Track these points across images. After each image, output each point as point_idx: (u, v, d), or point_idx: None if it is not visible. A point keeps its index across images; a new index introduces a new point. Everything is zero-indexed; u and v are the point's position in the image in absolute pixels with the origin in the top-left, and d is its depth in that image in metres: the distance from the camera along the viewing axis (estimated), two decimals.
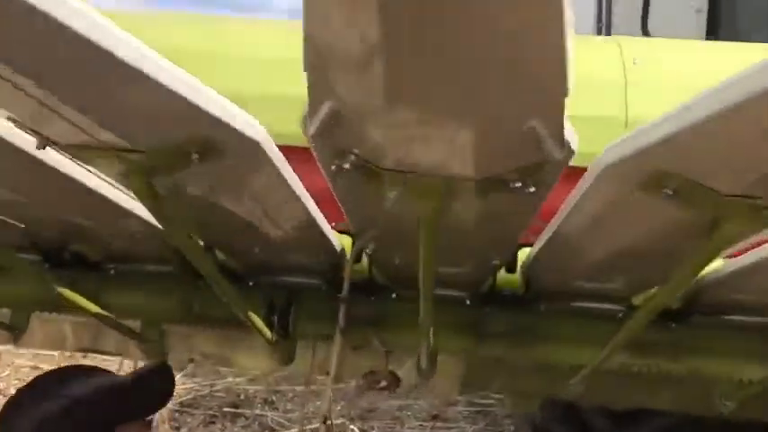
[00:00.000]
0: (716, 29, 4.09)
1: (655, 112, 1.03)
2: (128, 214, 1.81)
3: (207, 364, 6.63)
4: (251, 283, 2.36)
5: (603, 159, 1.09)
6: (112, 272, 2.43)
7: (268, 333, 2.18)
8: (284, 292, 2.36)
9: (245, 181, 1.36)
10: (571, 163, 1.22)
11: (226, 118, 1.05)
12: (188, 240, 1.52)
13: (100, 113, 0.95)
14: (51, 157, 1.47)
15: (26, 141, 1.37)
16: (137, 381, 1.83)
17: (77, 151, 1.09)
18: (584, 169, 1.36)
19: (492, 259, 1.84)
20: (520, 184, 1.04)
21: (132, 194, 1.60)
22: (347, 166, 1.06)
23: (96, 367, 1.86)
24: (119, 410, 1.75)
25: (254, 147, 1.17)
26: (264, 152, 1.20)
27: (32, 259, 2.35)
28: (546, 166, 1.02)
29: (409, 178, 1.01)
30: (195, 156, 1.09)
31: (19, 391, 1.80)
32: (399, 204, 1.26)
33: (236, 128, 1.09)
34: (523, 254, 2.19)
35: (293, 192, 1.47)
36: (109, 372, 1.83)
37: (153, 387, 1.87)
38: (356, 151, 1.00)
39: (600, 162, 1.10)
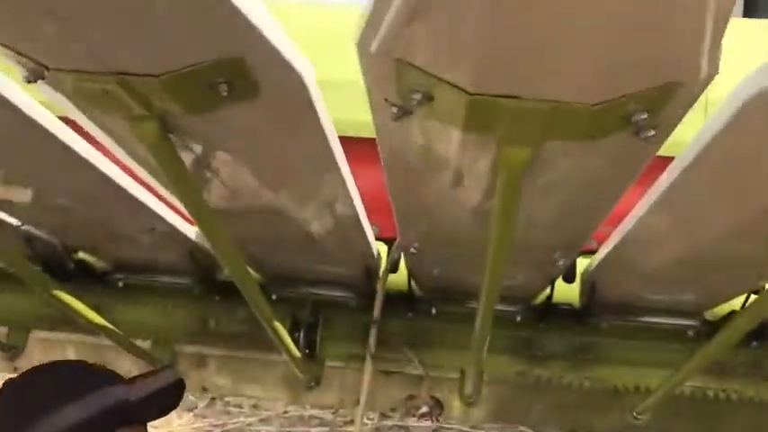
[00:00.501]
0: None
1: None
2: (141, 207, 1.58)
3: (218, 402, 6.35)
4: (274, 297, 2.12)
5: (740, 94, 0.86)
6: (121, 284, 2.19)
7: (295, 350, 1.92)
8: (310, 306, 2.11)
9: (279, 139, 1.13)
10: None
11: (272, 38, 0.83)
12: (214, 224, 1.28)
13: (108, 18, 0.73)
14: (65, 133, 1.26)
15: (40, 113, 1.17)
16: (151, 397, 1.57)
17: (76, 81, 0.87)
18: (663, 160, 1.15)
19: (556, 259, 1.59)
20: (644, 117, 0.80)
21: (146, 171, 1.37)
22: (417, 98, 0.82)
23: (97, 366, 1.62)
24: (127, 418, 1.51)
25: (298, 85, 0.94)
26: (309, 96, 0.97)
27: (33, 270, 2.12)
28: (679, 92, 0.79)
29: (509, 107, 0.77)
30: (224, 87, 0.86)
31: (23, 383, 1.55)
32: (475, 160, 1.03)
33: (283, 54, 0.86)
34: (581, 264, 1.95)
35: (335, 163, 1.24)
36: (115, 375, 1.58)
37: (164, 402, 1.61)
38: (436, 71, 0.77)
39: (737, 97, 0.87)
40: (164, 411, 1.69)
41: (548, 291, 1.98)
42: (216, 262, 2.08)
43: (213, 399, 6.49)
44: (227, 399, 6.53)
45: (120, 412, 1.55)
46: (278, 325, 1.79)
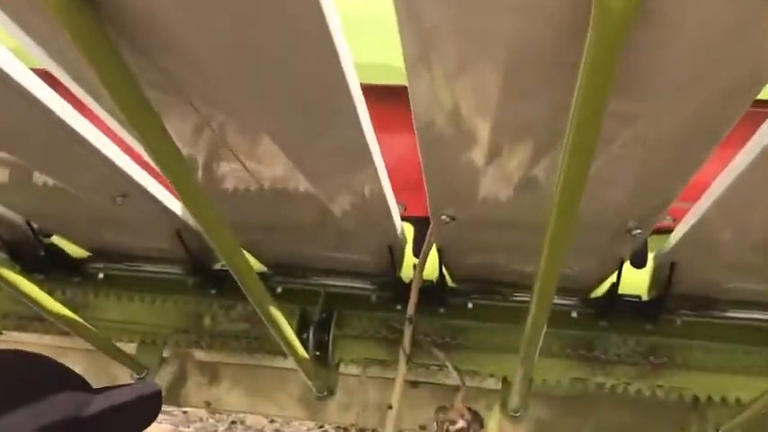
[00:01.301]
0: None
1: None
2: (106, 163, 1.27)
3: (239, 425, 6.04)
4: (278, 290, 1.78)
5: None
6: (101, 275, 1.88)
7: (303, 352, 1.58)
8: (322, 300, 1.76)
9: (265, 50, 0.81)
10: None
11: None
12: (195, 188, 0.98)
13: None
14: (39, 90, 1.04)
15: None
16: (113, 412, 1.27)
17: None
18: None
19: (630, 229, 1.24)
20: None
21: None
22: None
23: (57, 366, 1.32)
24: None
25: None
26: None
27: None
28: None
29: None
30: None
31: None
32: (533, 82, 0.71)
33: None
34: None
35: (354, 109, 0.97)
36: (76, 379, 1.29)
37: (134, 417, 1.31)
38: None
39: None
40: (136, 427, 1.38)
41: (608, 281, 1.63)
42: (210, 248, 1.76)
43: (234, 422, 6.18)
44: (247, 422, 6.22)
45: (70, 428, 1.24)
46: (283, 323, 1.46)
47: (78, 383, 1.32)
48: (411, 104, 0.94)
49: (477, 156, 1.07)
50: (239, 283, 1.27)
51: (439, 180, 1.19)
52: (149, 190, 1.41)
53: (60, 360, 2.24)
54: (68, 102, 1.12)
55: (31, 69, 1.02)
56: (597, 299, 1.65)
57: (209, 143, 1.13)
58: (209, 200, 1.05)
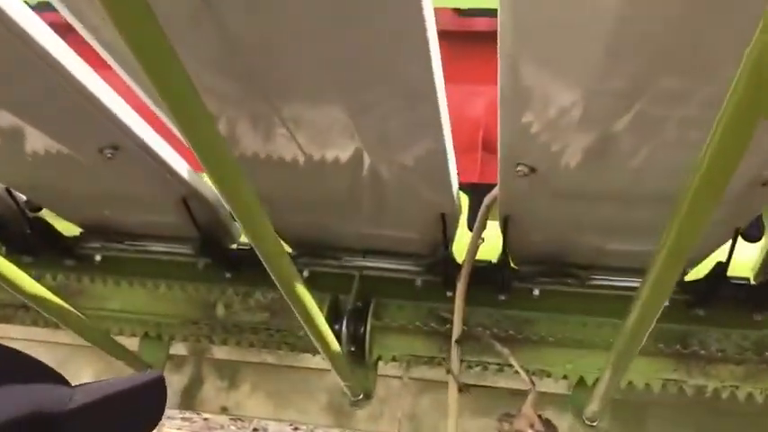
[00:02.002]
0: None
1: None
2: (106, 116, 1.02)
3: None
4: (305, 273, 1.50)
5: None
6: (98, 257, 1.61)
7: (336, 346, 1.29)
8: (357, 286, 1.48)
9: None
10: None
11: None
12: (224, 151, 0.75)
13: None
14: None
15: None
16: (97, 407, 1.03)
17: None
18: None
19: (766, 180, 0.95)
20: None
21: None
22: None
23: (33, 361, 1.07)
24: None
25: None
26: None
27: None
28: None
29: None
30: None
31: None
32: None
33: None
34: None
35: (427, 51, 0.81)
36: (54, 375, 1.05)
37: (129, 414, 1.05)
38: None
39: None
40: (133, 424, 1.11)
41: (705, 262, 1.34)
42: (223, 222, 1.48)
43: (256, 430, 5.92)
44: (270, 430, 5.97)
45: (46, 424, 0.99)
46: (314, 309, 1.17)
47: (52, 379, 1.06)
48: (498, 24, 0.77)
49: (571, 96, 0.86)
50: (263, 260, 0.98)
51: (518, 120, 0.91)
52: (146, 141, 1.14)
53: (70, 360, 2.00)
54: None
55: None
56: (695, 282, 1.35)
57: (245, 100, 0.96)
58: (232, 158, 0.79)
